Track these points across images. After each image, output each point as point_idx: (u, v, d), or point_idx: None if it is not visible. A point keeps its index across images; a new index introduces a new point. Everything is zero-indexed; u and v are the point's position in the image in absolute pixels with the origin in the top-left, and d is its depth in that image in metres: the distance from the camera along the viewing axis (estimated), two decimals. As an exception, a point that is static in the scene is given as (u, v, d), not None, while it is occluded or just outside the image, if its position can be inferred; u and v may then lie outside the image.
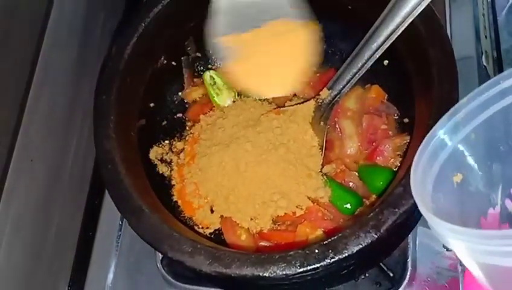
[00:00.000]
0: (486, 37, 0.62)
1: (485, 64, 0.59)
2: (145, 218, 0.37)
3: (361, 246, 0.34)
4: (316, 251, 0.34)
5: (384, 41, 0.41)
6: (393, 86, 0.49)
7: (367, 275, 0.49)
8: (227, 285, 0.44)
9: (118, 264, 0.53)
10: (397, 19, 0.40)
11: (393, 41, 0.42)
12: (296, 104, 0.51)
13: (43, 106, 0.53)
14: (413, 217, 0.42)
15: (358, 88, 0.51)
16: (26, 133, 0.50)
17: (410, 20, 0.40)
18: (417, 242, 0.49)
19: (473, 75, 0.57)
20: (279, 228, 0.47)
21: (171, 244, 0.35)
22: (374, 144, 0.49)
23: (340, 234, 0.34)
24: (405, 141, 0.47)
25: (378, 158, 0.47)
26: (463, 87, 0.55)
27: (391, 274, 0.47)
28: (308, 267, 0.33)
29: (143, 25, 0.45)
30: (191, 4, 0.49)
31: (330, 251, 0.34)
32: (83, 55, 0.60)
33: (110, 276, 0.53)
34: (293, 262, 0.33)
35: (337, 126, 0.51)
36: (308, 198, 0.46)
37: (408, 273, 0.48)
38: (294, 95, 0.54)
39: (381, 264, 0.47)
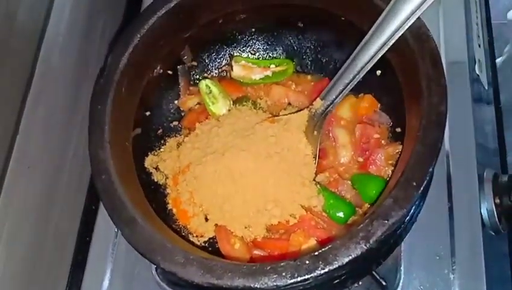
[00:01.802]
0: (479, 46, 0.62)
1: (478, 73, 0.60)
2: (138, 228, 0.37)
3: (351, 257, 0.34)
4: (307, 262, 0.34)
5: (375, 53, 0.42)
6: (386, 96, 0.50)
7: (360, 283, 0.49)
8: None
9: (114, 271, 0.53)
10: (387, 32, 0.41)
11: (385, 53, 0.42)
12: (290, 113, 0.51)
13: (42, 111, 0.53)
14: (403, 227, 0.42)
15: (352, 97, 0.51)
16: (23, 139, 0.50)
17: (400, 34, 0.40)
18: (409, 250, 0.50)
19: (464, 80, 0.57)
20: (273, 236, 0.47)
21: (164, 255, 0.36)
22: (367, 153, 0.49)
23: (330, 245, 0.35)
24: (397, 150, 0.47)
25: (371, 167, 0.48)
26: (455, 93, 0.56)
27: (384, 283, 0.48)
28: (299, 279, 0.34)
29: (138, 35, 0.46)
30: (186, 15, 0.49)
31: (320, 262, 0.34)
32: (82, 60, 0.61)
33: (106, 283, 0.53)
34: (283, 273, 0.34)
35: (330, 135, 0.51)
36: (302, 207, 0.46)
37: (401, 281, 0.49)
38: (289, 103, 0.54)
39: (373, 272, 0.48)
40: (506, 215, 0.53)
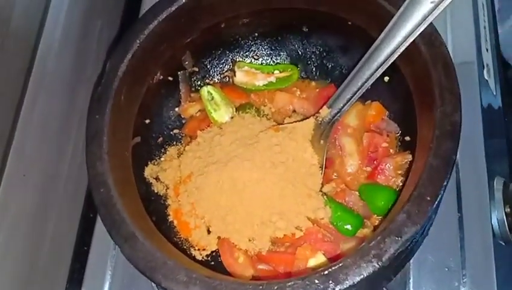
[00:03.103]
0: (487, 50, 0.61)
1: (486, 78, 0.58)
2: (139, 245, 0.36)
3: (363, 276, 0.33)
4: (316, 281, 0.33)
5: (385, 60, 0.40)
6: (394, 103, 0.48)
7: (368, 297, 0.47)
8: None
9: (112, 285, 0.52)
10: (398, 38, 0.39)
11: (395, 60, 0.41)
12: (296, 121, 0.50)
13: (37, 118, 0.52)
14: (415, 241, 0.41)
15: (359, 104, 0.50)
16: (19, 147, 0.49)
17: (412, 40, 0.39)
18: (419, 262, 0.48)
19: (474, 86, 0.56)
20: (278, 249, 0.46)
21: (165, 274, 0.34)
22: (375, 162, 0.48)
23: (341, 264, 0.33)
24: (406, 160, 0.46)
25: (379, 177, 0.46)
26: (464, 99, 0.54)
27: (393, 297, 0.46)
28: (308, 299, 0.32)
29: (138, 41, 0.44)
30: (187, 19, 0.47)
31: (331, 281, 0.32)
32: (78, 65, 0.60)
33: (104, 296, 0.51)
34: (291, 293, 0.32)
35: (337, 143, 0.50)
36: (308, 219, 0.45)
37: (410, 294, 0.47)
38: (294, 111, 0.53)
39: (382, 286, 0.46)
40: (517, 225, 0.52)
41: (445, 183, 0.34)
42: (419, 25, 0.38)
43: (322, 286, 0.32)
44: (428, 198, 0.34)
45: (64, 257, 0.58)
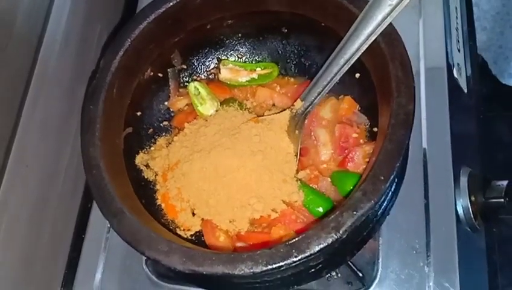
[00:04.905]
0: (459, 50, 0.65)
1: (456, 76, 0.62)
2: (126, 220, 0.40)
3: (322, 245, 0.37)
4: (281, 250, 0.37)
5: (350, 58, 0.44)
6: (364, 98, 0.52)
7: (339, 275, 0.52)
8: (205, 284, 0.47)
9: (106, 265, 0.56)
10: (361, 38, 0.43)
11: (360, 56, 0.45)
12: (274, 113, 0.54)
13: (39, 113, 0.55)
14: (376, 219, 0.45)
15: (333, 99, 0.54)
16: (22, 139, 0.52)
17: (373, 39, 0.43)
18: (387, 244, 0.52)
19: (442, 83, 0.60)
20: (255, 229, 0.50)
21: (149, 245, 0.38)
22: (346, 151, 0.52)
23: (303, 235, 0.37)
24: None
25: (349, 164, 0.50)
26: (433, 96, 0.58)
27: (360, 274, 0.50)
28: (273, 266, 0.36)
29: (129, 40, 0.49)
30: (174, 21, 0.52)
31: (293, 250, 0.37)
32: (79, 65, 0.63)
33: (98, 276, 0.56)
34: (259, 261, 0.36)
35: (312, 134, 0.54)
36: (283, 202, 0.49)
37: (378, 273, 0.51)
38: (273, 105, 0.57)
39: (351, 264, 0.50)
40: (481, 212, 0.55)
41: (397, 164, 0.38)
42: (379, 25, 0.43)
43: (286, 254, 0.36)
44: (382, 178, 0.38)
45: (63, 243, 0.61)
